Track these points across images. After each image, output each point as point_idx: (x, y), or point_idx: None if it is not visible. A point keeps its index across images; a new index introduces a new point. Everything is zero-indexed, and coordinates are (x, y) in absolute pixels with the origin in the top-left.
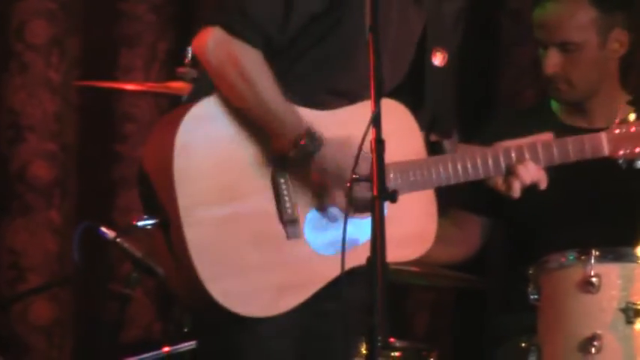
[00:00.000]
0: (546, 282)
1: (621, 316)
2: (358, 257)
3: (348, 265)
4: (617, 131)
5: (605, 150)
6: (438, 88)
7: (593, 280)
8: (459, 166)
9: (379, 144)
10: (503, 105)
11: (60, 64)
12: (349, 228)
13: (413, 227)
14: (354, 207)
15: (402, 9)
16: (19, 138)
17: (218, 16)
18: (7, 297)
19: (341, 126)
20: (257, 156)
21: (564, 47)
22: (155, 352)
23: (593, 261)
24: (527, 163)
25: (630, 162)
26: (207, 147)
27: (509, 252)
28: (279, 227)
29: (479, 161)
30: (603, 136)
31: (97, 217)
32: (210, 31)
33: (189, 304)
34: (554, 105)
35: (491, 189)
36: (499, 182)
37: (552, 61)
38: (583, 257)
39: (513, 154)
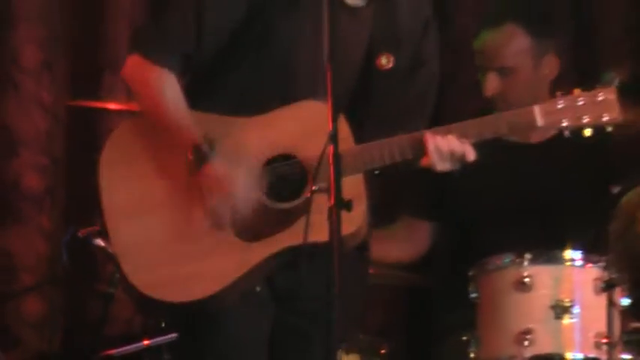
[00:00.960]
0: (485, 282)
1: (551, 313)
2: (290, 238)
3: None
4: (559, 104)
5: (539, 121)
6: (384, 89)
7: (527, 280)
8: (386, 150)
9: (336, 159)
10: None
11: (50, 86)
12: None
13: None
14: (275, 194)
15: (334, 24)
16: (14, 153)
17: (136, 44)
18: (1, 295)
19: (264, 129)
20: (173, 165)
21: (502, 71)
22: (136, 344)
23: (526, 263)
24: (447, 137)
25: (576, 131)
26: (128, 161)
27: (453, 255)
28: (202, 221)
29: (406, 142)
30: (536, 108)
31: (83, 223)
32: (130, 58)
33: (133, 301)
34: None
35: (434, 187)
36: (426, 160)
37: (491, 84)
38: (517, 260)
39: (439, 133)
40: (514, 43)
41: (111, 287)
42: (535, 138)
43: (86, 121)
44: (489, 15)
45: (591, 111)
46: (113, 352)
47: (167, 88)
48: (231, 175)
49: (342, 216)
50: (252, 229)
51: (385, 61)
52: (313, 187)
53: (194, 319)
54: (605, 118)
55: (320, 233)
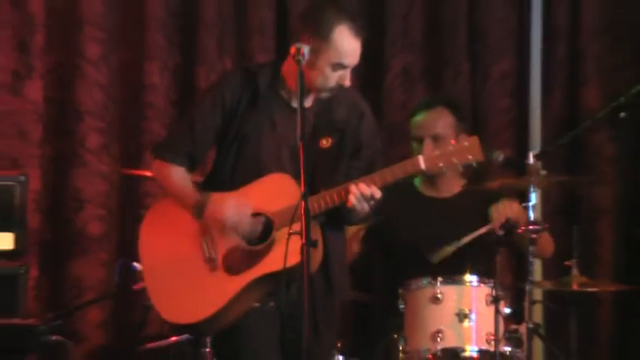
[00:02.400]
0: (409, 297)
1: (456, 318)
2: (262, 268)
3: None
4: (436, 152)
5: (422, 166)
6: (325, 162)
7: (439, 295)
8: (322, 200)
9: (307, 212)
10: None
11: (107, 161)
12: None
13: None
14: (249, 240)
15: (286, 119)
16: (81, 207)
17: (156, 151)
18: (72, 307)
19: (243, 197)
20: (185, 221)
21: (435, 138)
22: (165, 340)
23: (438, 284)
24: (358, 183)
25: (451, 168)
26: (162, 225)
27: (387, 279)
28: (204, 264)
29: (334, 192)
30: (420, 158)
31: (130, 256)
32: (153, 161)
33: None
34: (417, 181)
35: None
36: (349, 203)
37: (429, 148)
38: (432, 281)
39: (357, 183)
40: (444, 119)
41: (148, 300)
42: (445, 194)
43: (132, 184)
44: (423, 101)
45: (459, 154)
46: (151, 345)
47: (174, 175)
48: (222, 226)
49: (290, 251)
50: (237, 265)
51: (325, 142)
52: (290, 231)
53: (223, 336)
54: (470, 158)
55: (282, 262)
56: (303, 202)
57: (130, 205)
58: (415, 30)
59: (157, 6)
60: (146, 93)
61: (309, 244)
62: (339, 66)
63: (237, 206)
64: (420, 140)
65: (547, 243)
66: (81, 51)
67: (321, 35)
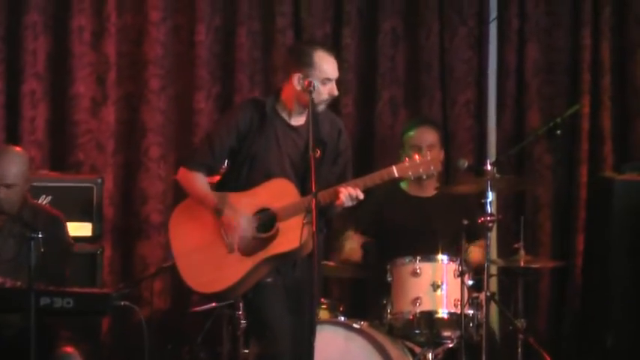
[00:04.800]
0: (395, 272)
1: (430, 288)
2: (269, 251)
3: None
4: (405, 164)
5: (395, 174)
6: (317, 169)
7: (418, 270)
8: (320, 199)
9: (316, 208)
10: None
11: (164, 167)
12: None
13: (297, 231)
14: (259, 229)
15: (286, 136)
16: (145, 202)
17: (185, 162)
18: (140, 278)
19: (253, 198)
20: (207, 218)
21: (430, 147)
22: (209, 305)
23: (417, 262)
24: (347, 186)
25: (418, 178)
26: (188, 219)
27: (379, 257)
28: (223, 248)
29: (327, 193)
30: (394, 167)
31: None
32: (181, 169)
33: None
34: (404, 184)
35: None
36: (338, 202)
37: (427, 154)
38: (413, 259)
39: (345, 185)
40: (433, 133)
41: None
42: (427, 193)
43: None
44: (415, 120)
45: (424, 166)
46: (197, 309)
47: (197, 181)
48: (235, 220)
49: (291, 238)
50: (250, 249)
51: (317, 153)
52: (304, 221)
53: (247, 297)
54: (432, 169)
55: (286, 246)
56: (313, 199)
57: (181, 200)
58: (399, 68)
59: (203, 49)
60: (195, 115)
61: (318, 231)
62: (326, 80)
63: (245, 220)
64: (419, 149)
65: (479, 256)
66: (145, 83)
67: (306, 63)
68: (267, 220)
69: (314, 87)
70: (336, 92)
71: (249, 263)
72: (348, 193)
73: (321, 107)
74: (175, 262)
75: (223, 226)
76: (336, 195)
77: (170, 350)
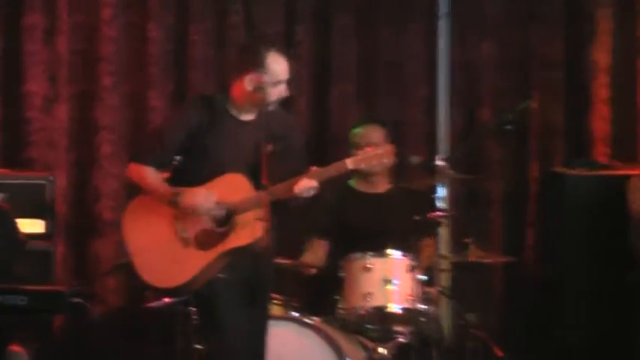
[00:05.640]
0: (347, 267)
1: (382, 283)
2: (226, 244)
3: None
4: (358, 157)
5: (349, 166)
6: (270, 166)
7: (369, 266)
8: (277, 191)
9: (268, 202)
10: None
11: (118, 167)
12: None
13: (253, 225)
14: (216, 223)
15: (238, 132)
16: (97, 200)
17: (135, 157)
18: (93, 276)
19: (208, 189)
20: (162, 210)
21: (374, 145)
22: (162, 302)
23: (369, 257)
24: (303, 179)
25: (368, 173)
26: (141, 215)
27: (331, 255)
28: (179, 242)
29: (284, 186)
30: (347, 160)
31: None
32: (132, 164)
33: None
34: (352, 181)
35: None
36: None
37: (366, 152)
38: (364, 256)
39: (301, 179)
40: (378, 132)
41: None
42: (379, 190)
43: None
44: (361, 117)
45: (377, 158)
46: (150, 305)
47: (149, 174)
48: (198, 194)
49: (247, 232)
50: (206, 243)
51: (270, 148)
52: (259, 216)
53: (200, 293)
54: (385, 161)
55: (243, 240)
56: (266, 194)
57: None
58: (351, 65)
59: (155, 47)
60: (148, 113)
61: (271, 226)
62: (278, 83)
63: (206, 195)
64: (360, 147)
65: (430, 254)
66: (98, 81)
67: (258, 64)
68: (224, 214)
69: (264, 89)
70: (285, 93)
71: (206, 257)
72: (305, 185)
73: (271, 107)
74: (131, 259)
75: (177, 218)
76: (292, 187)
77: (123, 347)
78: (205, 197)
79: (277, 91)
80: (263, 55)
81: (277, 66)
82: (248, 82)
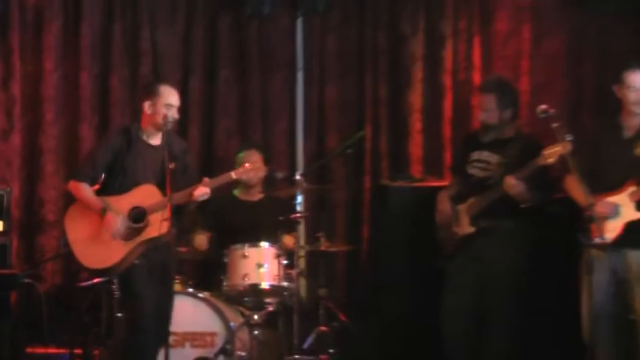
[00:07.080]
0: (230, 255)
1: (256, 266)
2: (142, 237)
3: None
4: (240, 170)
5: (233, 176)
6: (173, 179)
7: (246, 254)
8: (179, 197)
9: (171, 205)
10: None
11: (57, 181)
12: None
13: (161, 222)
14: (121, 235)
15: (148, 153)
16: (42, 206)
17: (73, 175)
18: (38, 262)
19: (127, 199)
20: (95, 217)
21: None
22: (91, 282)
23: (246, 247)
24: (199, 187)
25: (247, 184)
26: (79, 216)
27: (219, 244)
28: (109, 236)
29: (184, 193)
30: (232, 172)
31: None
32: (71, 182)
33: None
34: (236, 190)
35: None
36: (193, 197)
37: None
38: (243, 246)
39: (197, 187)
40: (257, 154)
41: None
42: (254, 198)
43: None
44: (242, 144)
45: (253, 171)
46: (83, 284)
47: (84, 190)
48: (115, 218)
49: (157, 227)
50: (128, 236)
51: (172, 165)
52: (165, 216)
53: (121, 275)
54: (260, 173)
55: (155, 232)
56: (169, 201)
57: (70, 204)
58: (232, 105)
59: (85, 91)
60: (80, 141)
61: (173, 225)
62: (168, 106)
63: (121, 221)
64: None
65: (291, 242)
66: (43, 116)
67: (154, 93)
68: (139, 215)
69: (169, 119)
70: (177, 116)
71: (128, 246)
72: (201, 192)
73: (169, 126)
74: (71, 247)
75: (106, 221)
76: (191, 194)
77: (63, 316)
78: (120, 222)
79: (171, 113)
80: (157, 86)
81: (168, 92)
82: (147, 107)
